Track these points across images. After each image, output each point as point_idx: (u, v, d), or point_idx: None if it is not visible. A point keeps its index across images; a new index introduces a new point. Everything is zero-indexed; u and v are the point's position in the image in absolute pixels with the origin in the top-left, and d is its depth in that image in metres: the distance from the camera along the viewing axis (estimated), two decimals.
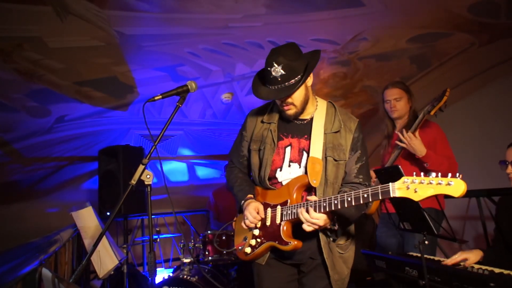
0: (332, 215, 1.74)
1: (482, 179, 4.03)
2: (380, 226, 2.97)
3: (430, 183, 1.41)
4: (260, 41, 3.42)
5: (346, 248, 1.88)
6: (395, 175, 2.02)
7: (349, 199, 1.59)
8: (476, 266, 1.96)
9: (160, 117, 4.34)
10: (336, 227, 1.76)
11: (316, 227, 1.68)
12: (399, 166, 2.00)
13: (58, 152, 4.44)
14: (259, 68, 1.93)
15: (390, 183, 1.49)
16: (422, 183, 1.42)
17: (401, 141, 2.60)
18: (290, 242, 1.75)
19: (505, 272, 1.84)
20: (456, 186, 1.36)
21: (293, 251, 1.80)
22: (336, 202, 1.62)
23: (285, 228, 1.79)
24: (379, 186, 1.53)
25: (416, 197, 1.43)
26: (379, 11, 3.16)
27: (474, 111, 4.64)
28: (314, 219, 1.66)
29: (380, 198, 1.52)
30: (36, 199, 4.79)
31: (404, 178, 1.47)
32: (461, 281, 1.88)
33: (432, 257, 2.40)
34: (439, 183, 1.39)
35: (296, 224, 1.77)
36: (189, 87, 1.83)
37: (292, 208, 1.77)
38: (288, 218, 1.78)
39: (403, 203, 2.13)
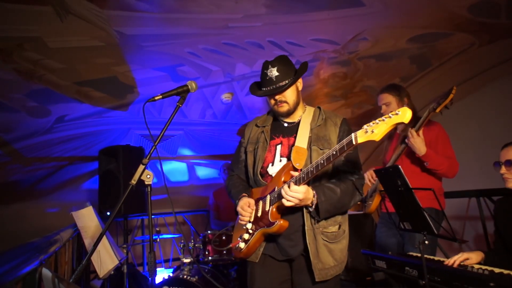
0: (313, 190, 1.82)
1: (482, 179, 4.04)
2: (380, 226, 2.97)
3: (383, 120, 1.53)
4: (260, 41, 3.42)
5: (333, 238, 1.90)
6: (395, 175, 2.03)
7: (321, 161, 1.72)
8: (476, 266, 1.96)
9: (160, 117, 4.34)
10: (313, 206, 1.83)
11: (296, 200, 1.76)
12: (399, 166, 2.01)
13: (58, 152, 4.43)
14: (259, 68, 2.07)
15: (352, 133, 1.61)
16: (377, 123, 1.54)
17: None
18: (276, 222, 1.82)
19: (505, 272, 1.84)
20: (402, 114, 1.48)
21: (279, 232, 1.87)
22: (311, 169, 1.74)
23: (273, 210, 1.87)
24: (344, 139, 1.65)
25: (374, 137, 1.53)
26: (379, 11, 3.15)
27: (474, 111, 4.64)
28: (293, 192, 1.75)
29: (346, 149, 1.63)
30: (36, 199, 4.78)
31: (364, 126, 1.59)
32: (461, 281, 1.89)
33: (432, 257, 2.41)
34: (389, 117, 1.51)
35: (284, 208, 1.83)
36: (189, 87, 1.85)
37: (278, 191, 1.86)
38: (275, 202, 1.87)
39: (403, 203, 2.13)
